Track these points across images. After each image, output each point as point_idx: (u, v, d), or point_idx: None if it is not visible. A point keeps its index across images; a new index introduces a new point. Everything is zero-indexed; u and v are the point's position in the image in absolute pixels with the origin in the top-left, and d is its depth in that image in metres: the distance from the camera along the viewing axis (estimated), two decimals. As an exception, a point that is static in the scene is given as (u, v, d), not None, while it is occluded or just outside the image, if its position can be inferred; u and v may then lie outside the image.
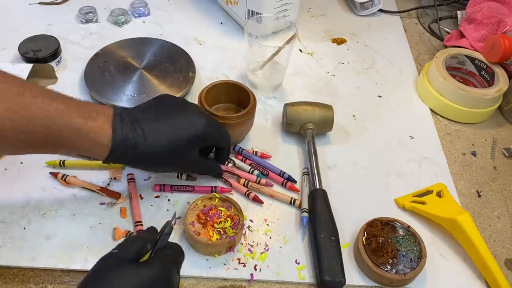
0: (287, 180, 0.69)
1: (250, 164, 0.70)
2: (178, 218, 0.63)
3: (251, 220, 0.65)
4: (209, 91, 0.71)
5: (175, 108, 0.59)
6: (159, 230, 0.50)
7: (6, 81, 0.49)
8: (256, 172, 0.69)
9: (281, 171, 0.70)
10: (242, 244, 0.62)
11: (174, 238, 0.61)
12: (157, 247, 0.48)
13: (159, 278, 0.44)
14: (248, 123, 0.71)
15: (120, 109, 0.56)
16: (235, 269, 0.59)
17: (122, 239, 0.60)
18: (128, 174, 0.67)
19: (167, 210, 0.64)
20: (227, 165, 0.69)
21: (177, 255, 0.50)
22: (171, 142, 0.56)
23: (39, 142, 0.51)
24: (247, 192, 0.67)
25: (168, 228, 0.49)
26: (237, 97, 0.74)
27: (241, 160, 0.71)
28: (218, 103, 0.75)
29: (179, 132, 0.57)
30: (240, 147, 0.72)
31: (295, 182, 0.70)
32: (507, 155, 0.78)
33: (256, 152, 0.72)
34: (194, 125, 0.58)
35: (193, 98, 0.81)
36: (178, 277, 0.48)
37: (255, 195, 0.66)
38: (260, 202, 0.66)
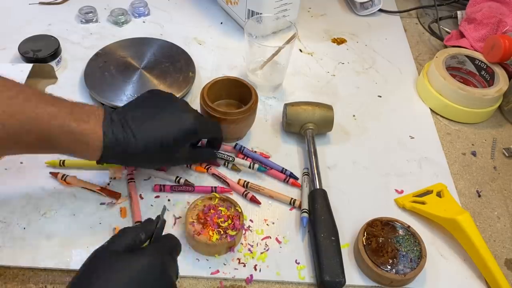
0: (289, 177, 0.69)
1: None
2: (166, 212, 0.61)
3: (251, 220, 0.65)
4: (211, 87, 0.71)
5: (163, 105, 0.60)
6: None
7: None
8: (256, 166, 0.69)
9: (283, 168, 0.70)
10: (242, 244, 0.62)
11: (174, 238, 0.61)
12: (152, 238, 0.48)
13: (153, 267, 0.43)
14: (250, 119, 0.71)
15: (111, 110, 0.58)
16: (235, 269, 0.59)
17: (122, 239, 0.61)
18: (128, 174, 0.67)
19: (167, 210, 0.64)
20: (227, 165, 0.70)
21: (171, 243, 0.49)
22: (159, 140, 0.57)
23: (32, 145, 0.52)
24: (245, 193, 0.67)
25: (160, 222, 0.49)
26: (238, 93, 0.74)
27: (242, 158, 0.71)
28: (220, 99, 0.76)
29: (168, 130, 0.58)
30: (242, 146, 0.72)
31: (297, 178, 0.70)
32: (507, 155, 0.78)
33: (256, 152, 0.72)
34: (182, 123, 0.59)
35: (194, 98, 0.81)
36: (175, 266, 0.47)
37: (253, 195, 0.66)
38: (257, 202, 0.66)
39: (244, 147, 0.72)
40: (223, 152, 0.71)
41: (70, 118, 0.52)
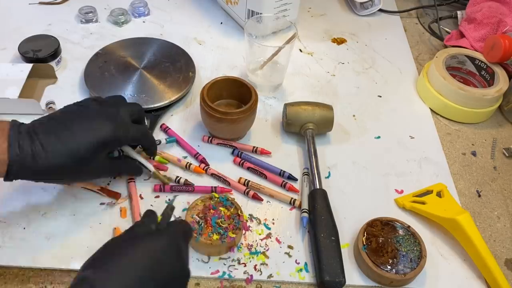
0: (288, 179, 0.69)
1: (248, 168, 0.70)
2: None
3: (251, 220, 0.65)
4: (211, 87, 0.71)
5: (77, 116, 0.56)
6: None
7: None
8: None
9: (281, 170, 0.70)
10: (242, 244, 0.62)
11: (174, 238, 0.61)
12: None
13: (171, 248, 0.47)
14: (250, 118, 0.71)
15: (19, 123, 0.54)
16: (235, 269, 0.59)
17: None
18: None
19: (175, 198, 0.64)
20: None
21: (185, 227, 0.51)
22: (72, 152, 0.53)
23: None
24: (247, 190, 0.67)
25: (170, 207, 0.52)
26: (238, 93, 0.74)
27: (239, 164, 0.71)
28: (220, 99, 0.76)
29: (79, 139, 0.54)
30: (239, 151, 0.72)
31: (296, 180, 0.70)
32: (507, 155, 0.78)
33: (257, 148, 0.72)
34: (94, 131, 0.55)
35: (194, 98, 0.81)
36: (186, 249, 0.49)
37: (255, 192, 0.67)
38: (259, 199, 0.66)
39: (242, 152, 0.72)
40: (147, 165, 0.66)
41: None
